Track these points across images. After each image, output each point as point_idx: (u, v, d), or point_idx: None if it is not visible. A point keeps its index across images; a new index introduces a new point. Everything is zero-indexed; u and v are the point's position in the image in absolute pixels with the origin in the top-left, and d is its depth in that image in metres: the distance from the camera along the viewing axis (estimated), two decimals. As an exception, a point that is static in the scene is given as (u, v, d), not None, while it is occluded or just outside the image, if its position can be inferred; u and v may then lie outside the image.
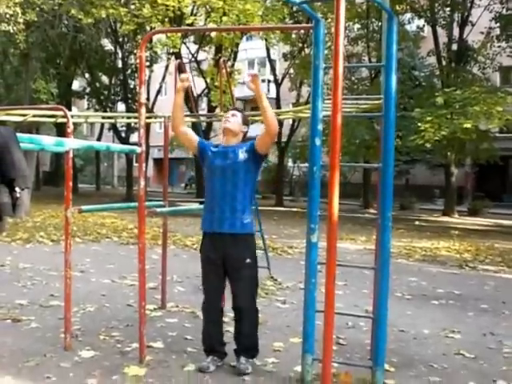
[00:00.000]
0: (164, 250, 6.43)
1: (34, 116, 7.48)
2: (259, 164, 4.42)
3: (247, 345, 4.34)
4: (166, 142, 6.57)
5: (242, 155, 4.26)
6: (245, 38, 29.54)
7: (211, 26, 19.42)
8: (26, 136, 3.45)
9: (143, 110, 4.34)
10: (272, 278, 7.97)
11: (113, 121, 12.15)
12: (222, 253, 4.25)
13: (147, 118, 10.29)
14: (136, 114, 11.10)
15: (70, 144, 3.77)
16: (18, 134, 3.25)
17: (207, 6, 19.98)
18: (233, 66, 25.36)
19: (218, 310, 4.45)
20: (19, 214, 3.15)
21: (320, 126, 3.84)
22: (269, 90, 39.49)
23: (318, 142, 3.85)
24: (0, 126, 3.15)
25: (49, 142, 3.63)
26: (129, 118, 11.01)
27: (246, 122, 4.50)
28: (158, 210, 5.04)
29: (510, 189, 33.16)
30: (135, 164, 40.83)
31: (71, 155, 4.37)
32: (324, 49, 3.99)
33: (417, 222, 19.78)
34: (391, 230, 3.91)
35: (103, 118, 12.30)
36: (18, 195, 3.09)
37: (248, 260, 4.25)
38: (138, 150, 4.34)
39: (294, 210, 24.39)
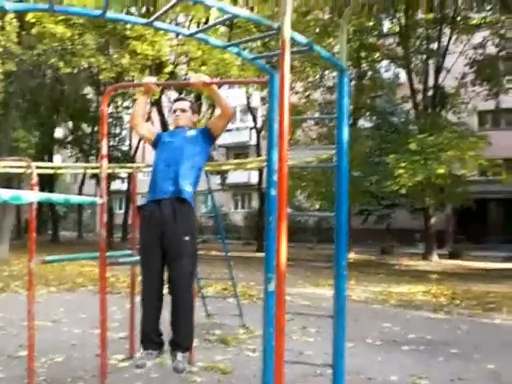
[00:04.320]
0: (132, 300, 6.41)
1: (4, 167, 7.56)
2: (207, 144, 4.58)
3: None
4: (134, 189, 6.65)
5: (189, 133, 4.52)
6: (226, 86, 30.01)
7: (191, 74, 19.67)
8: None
9: (105, 162, 4.41)
10: (244, 325, 7.96)
11: (90, 171, 12.23)
12: (159, 228, 4.23)
13: (126, 167, 10.38)
14: (115, 164, 11.22)
15: (28, 197, 3.81)
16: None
17: (187, 55, 20.33)
18: (212, 112, 25.67)
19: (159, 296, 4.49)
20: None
21: (275, 177, 3.90)
22: (251, 138, 40.01)
23: (273, 192, 3.91)
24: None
25: (5, 195, 3.68)
26: (109, 167, 11.07)
27: (195, 111, 4.76)
28: (121, 260, 5.06)
29: (491, 231, 33.40)
30: (117, 211, 40.78)
31: (35, 206, 4.42)
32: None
33: (396, 267, 19.82)
34: (346, 279, 3.95)
35: (84, 168, 12.33)
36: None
37: (186, 238, 4.26)
38: (99, 201, 4.39)
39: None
